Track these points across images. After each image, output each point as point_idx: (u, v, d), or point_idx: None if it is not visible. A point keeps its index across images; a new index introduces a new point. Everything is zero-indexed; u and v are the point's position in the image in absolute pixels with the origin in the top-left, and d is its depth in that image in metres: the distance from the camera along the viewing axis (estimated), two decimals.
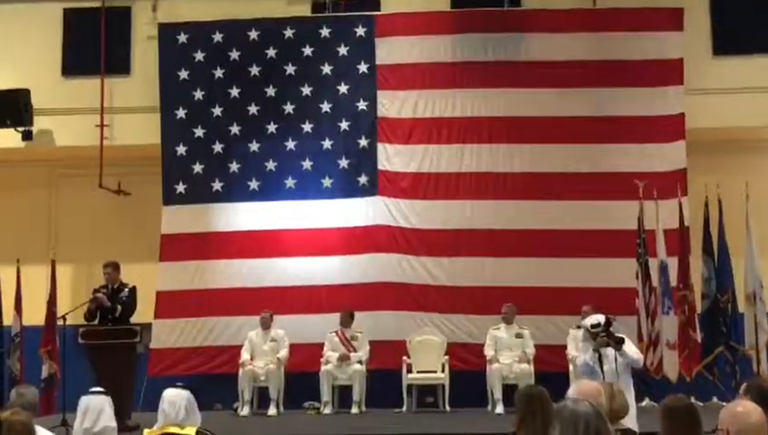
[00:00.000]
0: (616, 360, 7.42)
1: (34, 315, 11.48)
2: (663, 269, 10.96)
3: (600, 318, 7.63)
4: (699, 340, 10.89)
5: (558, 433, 3.20)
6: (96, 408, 5.30)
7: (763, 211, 11.26)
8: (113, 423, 5.36)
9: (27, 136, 12.16)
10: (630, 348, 7.60)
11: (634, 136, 11.67)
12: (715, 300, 11.20)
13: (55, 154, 12.46)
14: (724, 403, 5.09)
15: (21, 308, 11.59)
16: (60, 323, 10.27)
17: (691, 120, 11.58)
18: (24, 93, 12.03)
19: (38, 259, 11.92)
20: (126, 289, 9.51)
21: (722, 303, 11.19)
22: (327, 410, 10.70)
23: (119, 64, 12.46)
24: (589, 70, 11.85)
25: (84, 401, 5.35)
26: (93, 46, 12.28)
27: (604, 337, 7.47)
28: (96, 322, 9.45)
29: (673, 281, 10.97)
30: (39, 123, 12.17)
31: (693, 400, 6.86)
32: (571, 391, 4.60)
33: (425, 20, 12.21)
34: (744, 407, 3.47)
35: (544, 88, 11.81)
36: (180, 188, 12.09)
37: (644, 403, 10.24)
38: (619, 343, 7.41)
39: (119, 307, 9.36)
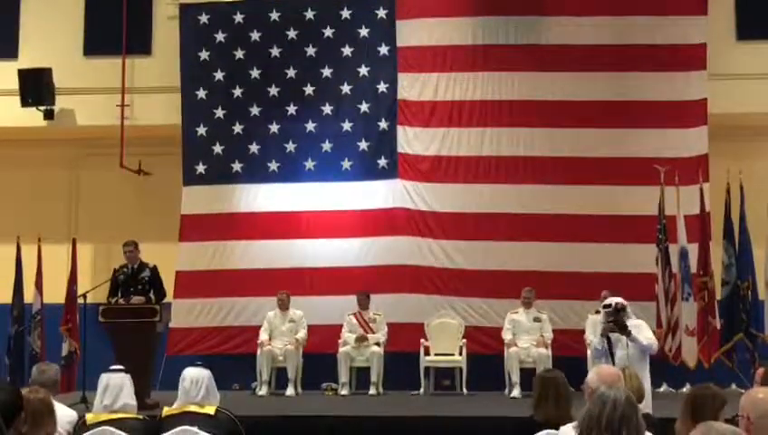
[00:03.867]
0: (628, 346, 7.45)
1: (55, 293, 11.55)
2: (683, 255, 10.90)
3: (617, 300, 7.71)
4: (718, 326, 10.84)
5: (585, 413, 3.20)
6: (116, 386, 5.33)
7: None
8: (133, 401, 5.39)
9: (49, 115, 12.21)
10: (643, 334, 7.63)
11: (656, 121, 11.58)
12: (735, 287, 11.12)
13: (77, 133, 12.49)
14: (743, 390, 5.07)
15: (41, 286, 11.67)
16: (80, 301, 10.36)
17: (714, 105, 11.48)
18: (47, 73, 12.06)
19: (59, 238, 11.99)
20: (147, 269, 9.53)
21: (742, 290, 11.12)
22: (344, 392, 10.73)
23: (140, 44, 12.44)
24: (610, 54, 11.75)
25: (104, 378, 5.38)
26: (115, 26, 12.26)
27: (610, 323, 7.56)
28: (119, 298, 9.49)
29: (693, 267, 10.91)
30: (61, 102, 12.21)
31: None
32: (590, 376, 4.61)
33: (445, 2, 12.13)
34: (765, 393, 3.47)
35: (566, 72, 11.75)
36: (200, 168, 12.12)
37: (662, 389, 10.24)
38: (623, 330, 7.50)
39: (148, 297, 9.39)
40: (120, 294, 9.47)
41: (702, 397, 4.36)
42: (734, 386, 10.16)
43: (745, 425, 3.27)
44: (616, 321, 7.60)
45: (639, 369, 7.31)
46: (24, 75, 12.00)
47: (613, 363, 7.60)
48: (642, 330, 7.80)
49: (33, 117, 12.14)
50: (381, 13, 12.11)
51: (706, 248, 10.99)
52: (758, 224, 11.16)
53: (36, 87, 12.01)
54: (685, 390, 9.53)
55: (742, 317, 11.03)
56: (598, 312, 10.65)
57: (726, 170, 11.11)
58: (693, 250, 10.95)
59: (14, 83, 11.99)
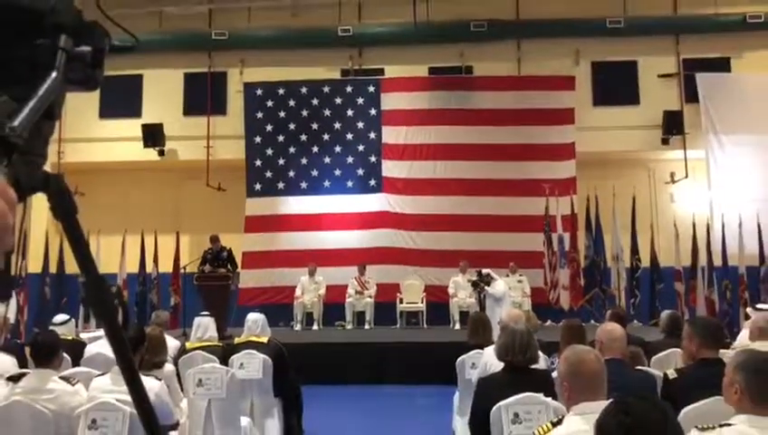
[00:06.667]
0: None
1: (166, 266, 11.49)
2: (560, 240, 10.94)
3: (485, 270, 8.53)
4: (582, 284, 10.90)
5: (502, 341, 3.21)
6: (204, 324, 5.32)
7: (624, 203, 11.25)
8: (215, 334, 5.39)
9: (161, 153, 12.15)
10: (495, 288, 8.27)
11: (543, 155, 11.59)
12: (593, 260, 11.20)
13: (179, 165, 12.43)
14: (598, 325, 5.09)
15: (158, 262, 11.61)
16: (182, 271, 10.29)
17: (579, 146, 11.52)
18: (159, 126, 12.03)
19: (169, 231, 11.90)
20: (225, 252, 9.46)
21: (597, 261, 11.19)
22: (350, 327, 10.68)
23: (219, 108, 12.40)
24: (514, 114, 11.75)
25: (197, 320, 5.37)
26: (203, 96, 12.23)
27: (473, 282, 8.58)
28: (208, 268, 9.34)
29: (566, 247, 10.95)
30: (169, 145, 12.15)
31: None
32: (503, 315, 4.62)
33: (411, 82, 12.10)
34: (611, 326, 3.49)
35: (485, 126, 11.74)
36: (258, 186, 12.04)
37: (548, 323, 10.26)
38: (474, 286, 8.60)
39: (227, 269, 9.23)
40: (207, 266, 9.40)
41: (572, 327, 4.38)
42: (592, 322, 10.21)
43: (599, 347, 3.30)
44: (474, 281, 8.43)
45: (491, 308, 7.90)
46: (145, 127, 11.94)
47: (481, 307, 8.11)
48: (497, 286, 8.27)
49: (151, 154, 12.07)
50: (371, 88, 12.06)
51: (575, 235, 11.04)
52: (607, 220, 11.25)
53: (153, 135, 11.96)
54: (561, 324, 9.55)
55: (597, 278, 11.09)
56: (507, 275, 10.73)
57: (588, 187, 11.18)
58: (567, 237, 10.98)
59: (138, 133, 11.95)
